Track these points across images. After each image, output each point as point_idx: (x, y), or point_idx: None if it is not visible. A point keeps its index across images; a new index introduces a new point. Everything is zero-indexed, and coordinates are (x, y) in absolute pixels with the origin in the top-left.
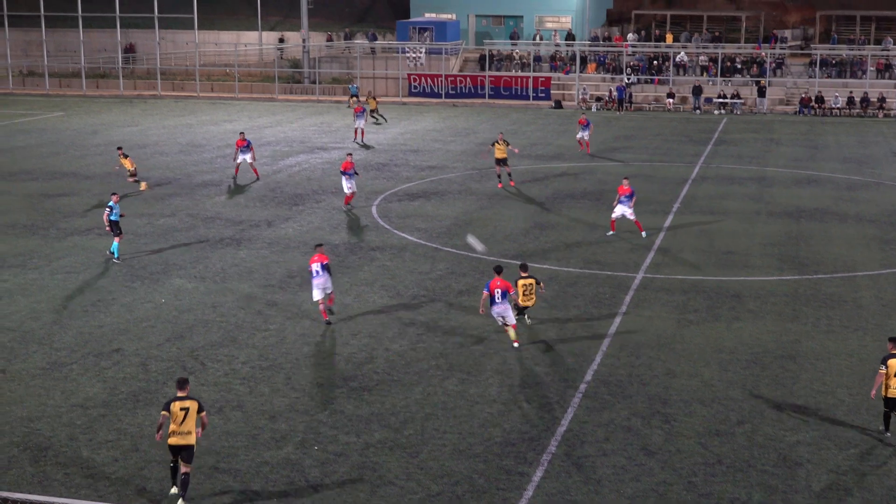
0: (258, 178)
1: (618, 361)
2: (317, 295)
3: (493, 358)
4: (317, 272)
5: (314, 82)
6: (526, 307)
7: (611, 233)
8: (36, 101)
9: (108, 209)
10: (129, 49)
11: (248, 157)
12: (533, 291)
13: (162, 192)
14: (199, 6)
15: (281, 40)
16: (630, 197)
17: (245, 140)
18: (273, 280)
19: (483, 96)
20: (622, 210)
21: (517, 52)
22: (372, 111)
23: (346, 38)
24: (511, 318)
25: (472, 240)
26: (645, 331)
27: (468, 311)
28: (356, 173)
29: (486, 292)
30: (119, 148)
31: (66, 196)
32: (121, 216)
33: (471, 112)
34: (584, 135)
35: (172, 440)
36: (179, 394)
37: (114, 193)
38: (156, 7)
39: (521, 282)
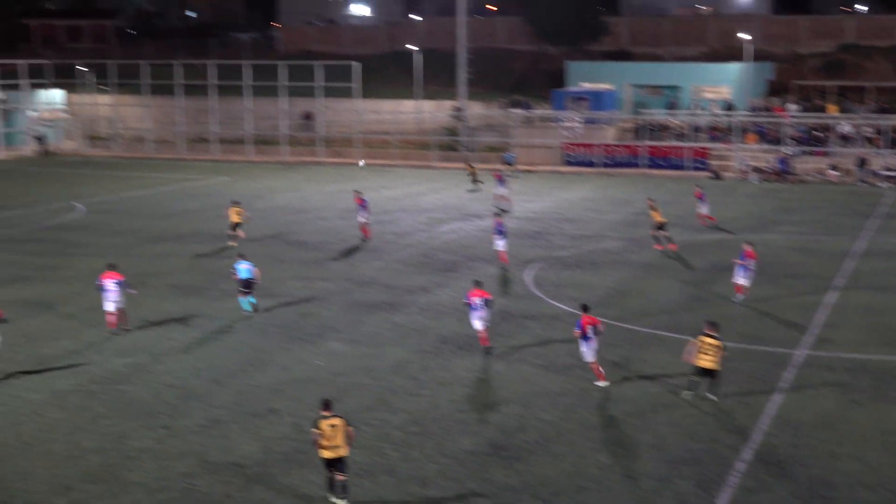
0: (366, 239)
1: (778, 441)
2: (478, 325)
3: (648, 432)
4: (478, 306)
5: (471, 150)
6: (707, 371)
7: (739, 297)
8: (204, 167)
9: (234, 271)
10: (308, 116)
11: (363, 216)
12: (715, 353)
13: (320, 257)
14: (362, 76)
15: (458, 109)
16: (749, 261)
17: (362, 199)
18: (427, 345)
19: (639, 166)
20: (741, 274)
21: (674, 122)
22: (471, 175)
23: (505, 106)
24: (591, 355)
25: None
26: (806, 410)
27: (621, 382)
28: (501, 232)
29: (577, 331)
30: (236, 202)
31: (229, 258)
32: (253, 279)
33: (627, 182)
34: (704, 209)
35: (326, 454)
36: (324, 413)
37: (240, 254)
38: (320, 76)
39: (705, 339)
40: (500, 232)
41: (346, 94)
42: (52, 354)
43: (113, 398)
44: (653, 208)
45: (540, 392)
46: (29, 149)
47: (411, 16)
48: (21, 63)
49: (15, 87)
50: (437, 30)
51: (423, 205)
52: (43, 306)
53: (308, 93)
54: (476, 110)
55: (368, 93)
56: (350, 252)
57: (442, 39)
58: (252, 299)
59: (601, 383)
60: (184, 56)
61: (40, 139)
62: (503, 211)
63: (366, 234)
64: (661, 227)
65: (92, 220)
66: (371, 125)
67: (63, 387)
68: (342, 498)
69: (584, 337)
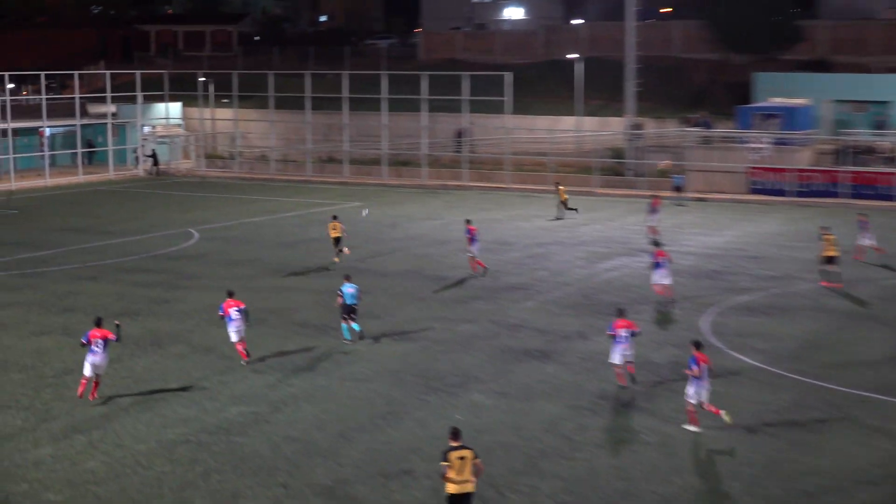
0: (480, 272)
1: None
2: (618, 359)
3: None
4: (623, 339)
5: (639, 175)
6: None
7: None
8: (334, 190)
9: (340, 293)
10: (461, 134)
11: (474, 248)
12: None
13: (463, 295)
14: (515, 88)
15: (637, 127)
16: None
17: (473, 228)
18: (584, 401)
19: (840, 195)
20: None
21: (883, 144)
22: (560, 200)
23: (685, 124)
24: (701, 396)
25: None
26: None
27: (817, 450)
28: (661, 265)
29: (694, 368)
30: (335, 217)
31: (364, 295)
32: (354, 303)
33: (823, 213)
34: (866, 240)
35: (452, 489)
36: (453, 444)
37: (346, 276)
38: (467, 89)
39: None
40: (660, 265)
41: (495, 108)
42: (159, 399)
43: (226, 451)
44: (826, 239)
45: (722, 460)
46: (141, 168)
47: (572, 20)
48: (135, 73)
49: (128, 99)
50: (602, 35)
51: (583, 237)
52: (152, 344)
53: (451, 107)
54: (645, 128)
55: (521, 107)
56: (498, 291)
57: (607, 46)
58: (356, 326)
59: (692, 427)
60: (314, 65)
61: (153, 157)
62: (657, 244)
63: (476, 267)
64: (830, 260)
65: (207, 248)
66: (523, 144)
67: (171, 436)
68: None
69: (697, 377)
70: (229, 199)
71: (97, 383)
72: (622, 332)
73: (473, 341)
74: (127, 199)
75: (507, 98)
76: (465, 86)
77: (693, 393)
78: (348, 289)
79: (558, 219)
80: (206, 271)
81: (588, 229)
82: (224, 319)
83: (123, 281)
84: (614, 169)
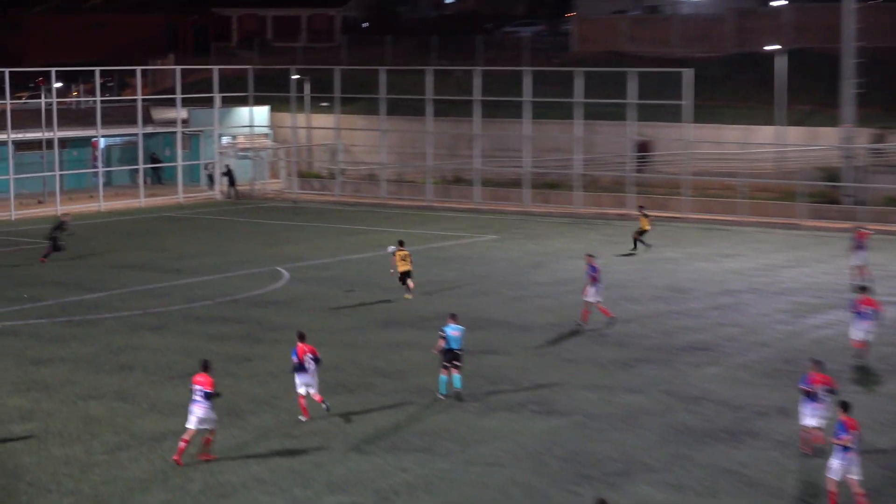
0: (610, 320)
1: None
2: (813, 422)
3: None
4: (818, 395)
5: (860, 203)
6: None
7: None
8: (461, 219)
9: (442, 335)
10: (644, 147)
11: (595, 291)
12: None
13: (627, 356)
14: (696, 89)
15: (857, 140)
16: None
17: (594, 266)
18: (785, 498)
19: None
20: None
21: None
22: (640, 232)
23: None
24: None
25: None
26: None
27: None
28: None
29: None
30: (400, 242)
31: (497, 354)
32: (459, 348)
33: None
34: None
35: None
36: None
37: (453, 315)
38: (633, 91)
39: None
40: (862, 315)
41: (670, 115)
42: (238, 487)
43: None
44: None
45: None
46: (217, 189)
47: (771, 2)
48: (212, 69)
49: (203, 102)
50: (811, 21)
51: (785, 283)
52: (228, 413)
53: (612, 113)
54: (866, 142)
55: (704, 114)
56: (672, 351)
57: (817, 35)
58: (458, 380)
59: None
60: (438, 60)
61: (228, 175)
62: (863, 289)
63: (588, 315)
64: None
65: (299, 291)
66: (707, 162)
67: None
68: None
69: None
70: (327, 230)
71: (208, 440)
72: (818, 390)
73: (640, 417)
74: (199, 228)
75: (687, 102)
76: (632, 86)
77: (838, 468)
78: (452, 331)
79: (629, 255)
80: (298, 321)
81: (792, 273)
82: (295, 368)
83: (194, 332)
84: (827, 195)
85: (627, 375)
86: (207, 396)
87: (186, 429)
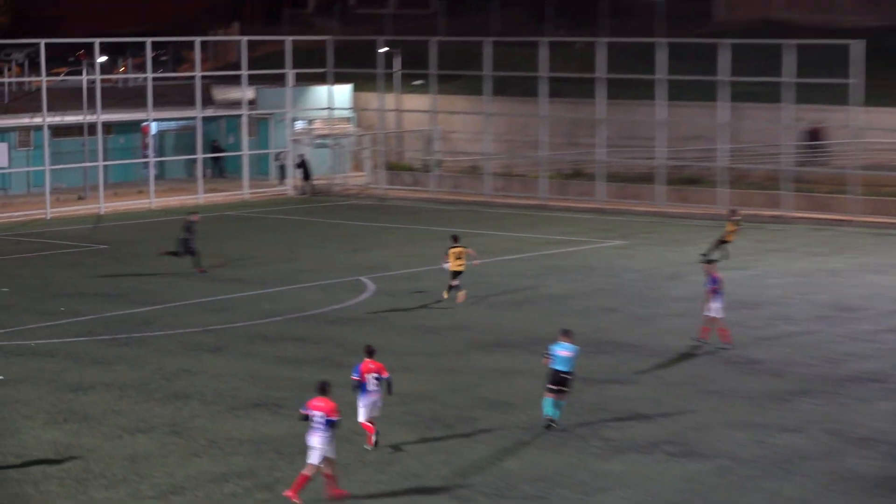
0: (727, 345)
1: None
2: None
3: None
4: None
5: None
6: None
7: None
8: (582, 220)
9: (546, 355)
10: (815, 134)
11: (716, 306)
12: None
13: (782, 388)
14: (868, 66)
15: None
16: None
17: (716, 276)
18: None
19: None
20: None
21: None
22: (721, 242)
23: None
24: None
25: None
26: None
27: None
28: None
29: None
30: (454, 238)
31: (623, 384)
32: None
33: None
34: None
35: None
36: None
37: (565, 332)
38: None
39: None
40: None
41: (836, 97)
42: None
43: None
44: None
45: None
46: (290, 183)
47: None
48: (284, 41)
49: (273, 80)
50: None
51: None
52: (301, 452)
53: (764, 94)
54: None
55: (878, 95)
56: (838, 382)
57: None
58: (557, 408)
59: None
60: (553, 30)
61: (303, 167)
62: None
63: (707, 333)
64: None
65: (386, 305)
66: (880, 154)
67: None
68: None
69: None
70: (420, 234)
71: (330, 476)
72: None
73: (798, 462)
74: (267, 230)
75: (856, 80)
76: (789, 61)
77: None
78: (562, 350)
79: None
80: (385, 341)
81: None
82: (358, 388)
83: (260, 355)
84: None
85: (783, 411)
86: (330, 424)
87: (307, 464)
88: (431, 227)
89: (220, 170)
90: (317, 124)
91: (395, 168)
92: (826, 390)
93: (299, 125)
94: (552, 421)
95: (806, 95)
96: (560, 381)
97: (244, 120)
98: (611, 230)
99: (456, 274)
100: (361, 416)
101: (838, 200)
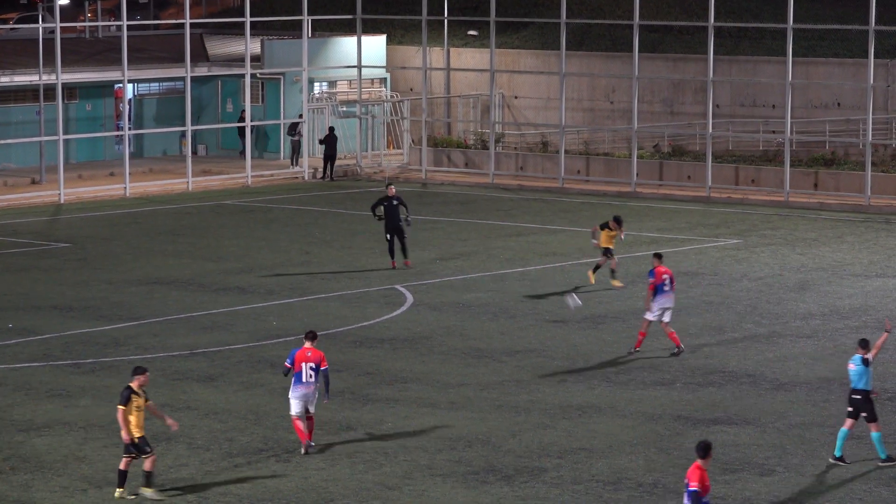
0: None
1: None
2: None
3: None
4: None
5: None
6: None
7: None
8: (684, 213)
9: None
10: None
11: None
12: None
13: None
14: None
15: None
16: None
17: None
18: None
19: None
20: None
21: None
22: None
23: None
24: None
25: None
26: None
27: None
28: None
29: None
30: (616, 219)
31: (736, 424)
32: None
33: None
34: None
35: None
36: None
37: (863, 343)
38: None
39: None
40: None
41: None
42: None
43: None
44: None
45: None
46: (306, 164)
47: None
48: None
49: (285, 29)
50: None
51: None
52: (320, 499)
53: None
54: None
55: None
56: None
57: None
58: (876, 439)
59: None
60: None
61: (329, 142)
62: None
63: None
64: None
65: (429, 322)
66: None
67: None
68: None
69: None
70: (474, 229)
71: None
72: None
73: None
74: (276, 224)
75: None
76: None
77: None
78: (852, 364)
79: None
80: (427, 368)
81: None
82: (286, 374)
83: (265, 385)
84: None
85: None
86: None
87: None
88: (488, 221)
89: (214, 146)
90: (340, 87)
91: (442, 144)
92: None
93: (318, 89)
94: (840, 460)
95: None
96: (851, 403)
97: (247, 81)
98: (720, 225)
99: (607, 250)
100: (293, 409)
101: None
